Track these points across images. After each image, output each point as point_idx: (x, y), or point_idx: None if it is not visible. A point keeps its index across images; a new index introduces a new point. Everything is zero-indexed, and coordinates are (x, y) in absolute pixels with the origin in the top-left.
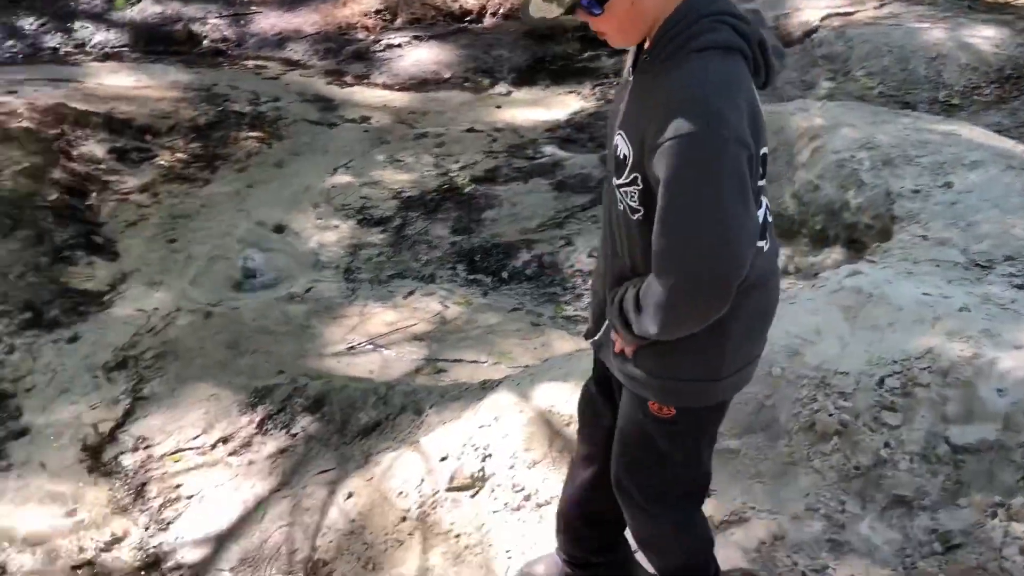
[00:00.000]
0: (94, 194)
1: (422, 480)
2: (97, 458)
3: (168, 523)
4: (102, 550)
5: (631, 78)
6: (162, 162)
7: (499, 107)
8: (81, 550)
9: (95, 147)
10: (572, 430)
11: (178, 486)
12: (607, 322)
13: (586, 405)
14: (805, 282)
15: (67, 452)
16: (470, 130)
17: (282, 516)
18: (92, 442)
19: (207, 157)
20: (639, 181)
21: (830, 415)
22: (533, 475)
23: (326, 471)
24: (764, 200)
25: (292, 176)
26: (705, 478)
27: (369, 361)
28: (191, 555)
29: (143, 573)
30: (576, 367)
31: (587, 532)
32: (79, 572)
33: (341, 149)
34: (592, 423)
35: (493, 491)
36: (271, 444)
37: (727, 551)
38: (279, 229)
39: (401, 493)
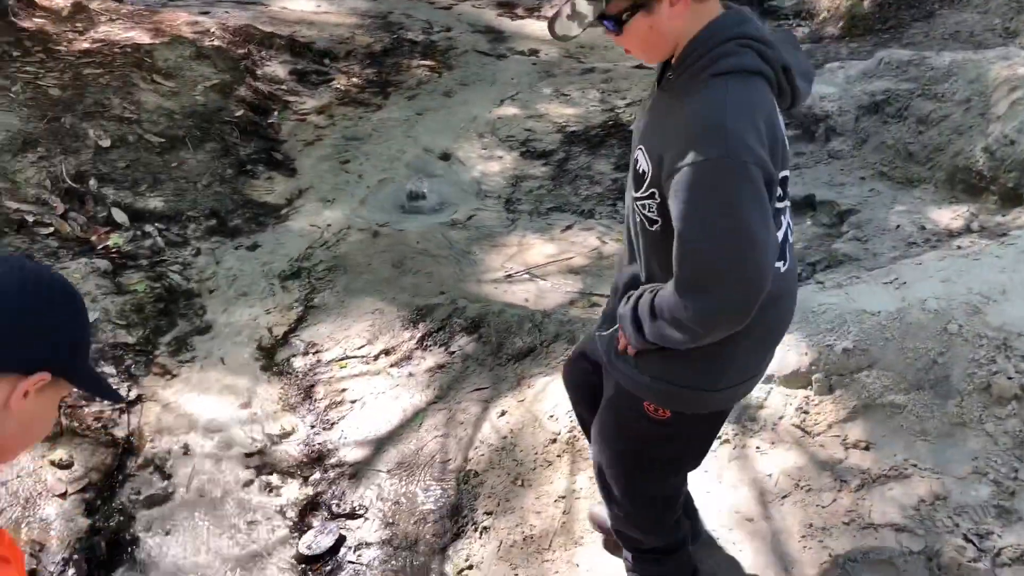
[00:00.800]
0: (275, 113)
1: None
2: (271, 358)
3: (332, 423)
4: (272, 443)
5: (656, 93)
6: (338, 86)
7: None
8: (253, 440)
9: (278, 68)
10: None
11: (343, 390)
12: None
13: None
14: (990, 241)
15: (244, 350)
16: (639, 67)
17: (437, 427)
18: (267, 343)
19: (380, 83)
20: (657, 196)
21: (1009, 378)
22: None
23: (481, 389)
24: (785, 220)
25: (460, 105)
26: (682, 484)
27: (525, 289)
28: (352, 454)
29: (307, 466)
30: None
31: None
32: (251, 460)
33: (508, 81)
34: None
35: None
36: (430, 359)
37: (883, 506)
38: (445, 157)
39: (552, 416)
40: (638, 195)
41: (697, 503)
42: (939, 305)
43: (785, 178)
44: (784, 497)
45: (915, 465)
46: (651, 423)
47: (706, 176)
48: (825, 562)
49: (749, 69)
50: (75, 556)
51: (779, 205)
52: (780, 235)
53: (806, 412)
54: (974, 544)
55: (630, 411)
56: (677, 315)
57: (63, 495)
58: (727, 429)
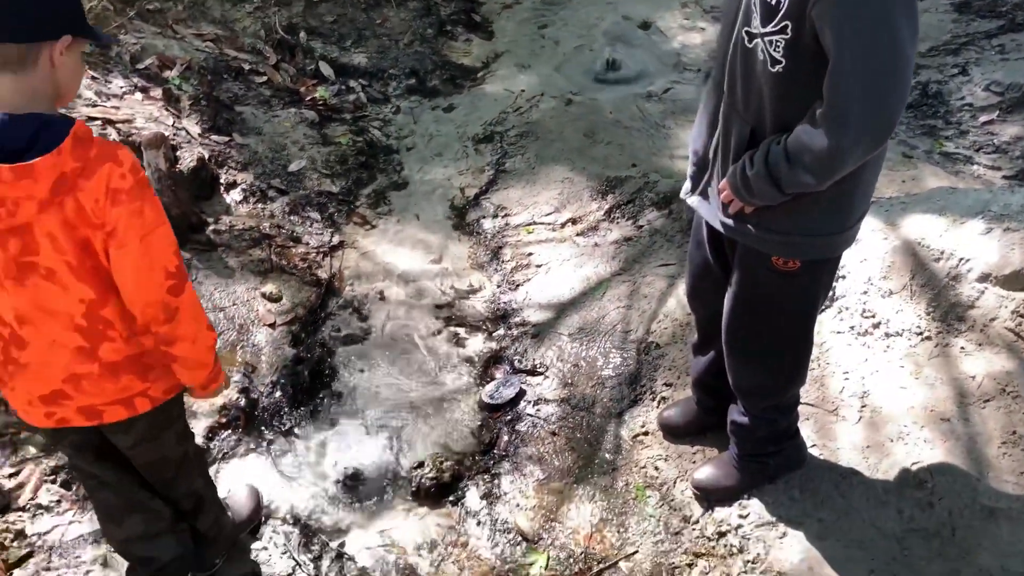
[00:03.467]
0: None
1: None
2: (462, 218)
3: (517, 285)
4: (460, 297)
5: None
6: None
7: None
8: (443, 293)
9: None
10: (941, 266)
11: (529, 254)
12: (703, 181)
13: (702, 279)
14: None
15: (437, 208)
16: None
17: (620, 298)
18: (458, 203)
19: None
20: (789, 30)
21: None
22: (886, 304)
23: (667, 264)
24: None
25: None
26: (811, 334)
27: None
28: (535, 316)
29: (492, 322)
30: (957, 202)
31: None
32: (440, 311)
33: None
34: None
35: (840, 312)
36: (616, 231)
37: None
38: (645, 26)
39: None
40: (768, 30)
41: (888, 397)
42: None
43: None
44: (986, 401)
45: None
46: (782, 276)
47: None
48: None
49: None
50: (282, 380)
51: None
52: None
53: (1023, 316)
54: None
55: (758, 268)
56: (823, 149)
57: (272, 325)
58: (929, 325)
